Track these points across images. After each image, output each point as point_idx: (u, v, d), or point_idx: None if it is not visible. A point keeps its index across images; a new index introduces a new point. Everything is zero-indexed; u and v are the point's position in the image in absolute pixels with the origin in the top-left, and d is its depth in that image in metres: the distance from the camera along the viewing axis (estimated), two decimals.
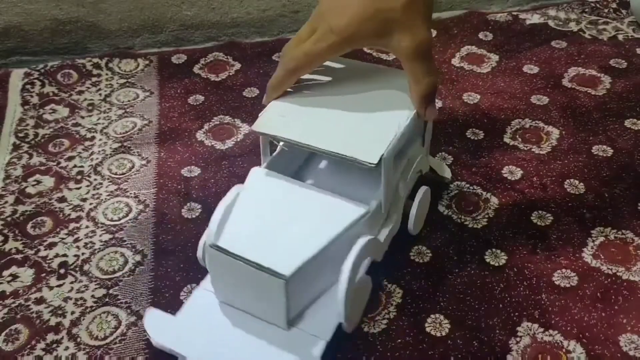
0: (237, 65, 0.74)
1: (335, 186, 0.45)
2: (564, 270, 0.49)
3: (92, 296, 0.49)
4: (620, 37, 0.76)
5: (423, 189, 0.50)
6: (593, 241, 0.51)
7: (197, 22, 0.80)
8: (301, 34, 0.45)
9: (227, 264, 0.41)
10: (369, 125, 0.44)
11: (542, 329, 0.45)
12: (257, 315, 0.43)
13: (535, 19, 0.80)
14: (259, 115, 0.45)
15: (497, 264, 0.49)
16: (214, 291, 0.44)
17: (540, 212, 0.53)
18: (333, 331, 0.42)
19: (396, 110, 0.45)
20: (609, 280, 0.48)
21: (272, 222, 0.42)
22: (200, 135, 0.64)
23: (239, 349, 0.41)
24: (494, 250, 0.50)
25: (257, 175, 0.46)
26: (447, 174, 0.56)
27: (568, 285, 0.47)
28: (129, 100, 0.69)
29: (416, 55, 0.43)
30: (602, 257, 0.49)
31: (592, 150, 0.60)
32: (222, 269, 0.42)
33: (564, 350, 0.43)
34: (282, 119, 0.45)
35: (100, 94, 0.70)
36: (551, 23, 0.79)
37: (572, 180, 0.56)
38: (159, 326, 0.43)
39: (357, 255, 0.41)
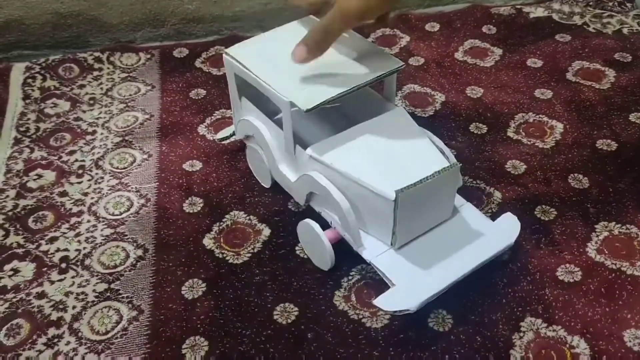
0: None
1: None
2: (567, 265, 0.48)
3: (94, 291, 0.48)
4: (625, 30, 0.75)
5: None
6: (597, 236, 0.50)
7: (198, 16, 0.79)
8: None
9: (414, 195, 0.42)
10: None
11: (545, 324, 0.44)
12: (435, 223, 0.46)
13: (539, 12, 0.79)
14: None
15: (500, 259, 0.49)
16: (398, 239, 0.45)
17: (544, 206, 0.53)
18: None
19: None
20: (613, 275, 0.47)
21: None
22: (201, 129, 0.63)
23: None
24: None
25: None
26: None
27: (572, 280, 0.47)
28: (130, 95, 0.69)
29: (334, 13, 0.44)
30: (606, 252, 0.49)
31: (597, 145, 0.59)
32: (411, 204, 0.43)
33: (567, 345, 0.43)
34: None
35: (101, 88, 0.70)
36: (555, 16, 0.78)
37: (576, 174, 0.56)
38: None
39: None
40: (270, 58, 0.49)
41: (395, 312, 0.42)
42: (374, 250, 0.45)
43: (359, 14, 0.44)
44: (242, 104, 0.53)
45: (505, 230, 0.47)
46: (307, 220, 0.48)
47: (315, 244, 0.48)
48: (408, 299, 0.42)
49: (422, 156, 0.45)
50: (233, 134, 0.58)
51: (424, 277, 0.43)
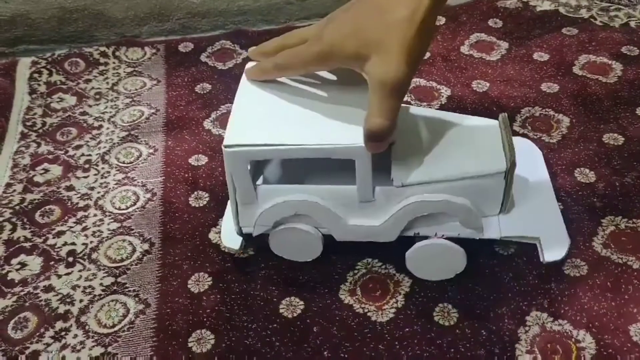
0: (245, 54, 0.73)
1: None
2: (573, 259, 0.48)
3: (101, 284, 0.49)
4: (633, 23, 0.75)
5: None
6: (603, 230, 0.50)
7: (203, 10, 0.79)
8: (301, 32, 0.45)
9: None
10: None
11: (551, 319, 0.44)
12: None
13: (545, 5, 0.78)
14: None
15: (506, 253, 0.49)
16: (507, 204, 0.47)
17: None
18: None
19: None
20: (619, 269, 0.47)
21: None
22: (207, 124, 0.64)
23: None
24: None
25: None
26: None
27: (578, 275, 0.47)
28: (136, 89, 0.69)
29: (382, 88, 0.38)
30: (613, 246, 0.49)
31: (603, 139, 0.59)
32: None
33: (573, 339, 0.43)
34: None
35: (107, 83, 0.70)
36: (562, 10, 0.78)
37: (582, 168, 0.56)
38: None
39: None
40: (276, 123, 0.44)
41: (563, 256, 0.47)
42: (493, 227, 0.46)
43: (334, 46, 0.40)
44: (261, 192, 0.45)
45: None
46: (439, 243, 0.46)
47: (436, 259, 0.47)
48: (560, 241, 0.47)
49: (468, 128, 0.47)
50: (244, 242, 0.48)
51: (545, 221, 0.48)
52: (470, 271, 0.47)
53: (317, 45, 0.41)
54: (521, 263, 0.48)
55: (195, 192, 0.56)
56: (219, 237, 0.51)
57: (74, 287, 0.49)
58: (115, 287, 0.48)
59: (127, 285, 0.48)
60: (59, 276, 0.50)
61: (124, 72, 0.72)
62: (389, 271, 0.48)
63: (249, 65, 0.48)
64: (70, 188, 0.57)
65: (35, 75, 0.71)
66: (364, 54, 0.39)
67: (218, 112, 0.65)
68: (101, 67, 0.72)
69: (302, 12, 0.81)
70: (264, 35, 0.76)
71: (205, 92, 0.68)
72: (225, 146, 0.42)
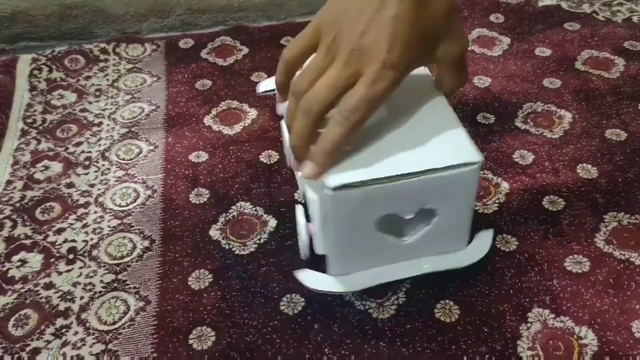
0: (245, 50, 0.73)
1: None
2: (575, 255, 0.48)
3: (101, 281, 0.49)
4: (635, 18, 0.74)
5: None
6: (606, 226, 0.50)
7: (204, 6, 0.79)
8: (315, 64, 0.39)
9: None
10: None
11: (553, 315, 0.44)
12: None
13: (547, 0, 0.78)
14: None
15: (507, 250, 0.49)
16: None
17: (551, 197, 0.53)
18: None
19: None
20: (622, 265, 0.47)
21: None
22: (208, 121, 0.63)
23: None
24: (504, 235, 0.50)
25: None
26: None
27: (580, 271, 0.47)
28: (136, 86, 0.69)
29: (460, 60, 0.43)
30: (615, 242, 0.49)
31: (605, 134, 0.59)
32: None
33: (575, 336, 0.43)
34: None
35: (107, 80, 0.70)
36: (564, 5, 0.77)
37: (584, 164, 0.56)
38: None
39: None
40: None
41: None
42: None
43: (408, 63, 0.39)
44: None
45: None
46: None
47: None
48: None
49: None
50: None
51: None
52: (471, 267, 0.47)
53: (385, 77, 0.37)
54: (523, 260, 0.48)
55: (196, 189, 0.56)
56: (217, 233, 0.51)
57: (74, 284, 0.48)
58: (115, 284, 0.48)
59: (127, 282, 0.48)
60: (60, 273, 0.49)
61: (124, 68, 0.72)
62: None
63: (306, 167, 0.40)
64: (70, 185, 0.57)
65: (36, 72, 0.71)
66: (432, 46, 0.41)
67: (218, 108, 0.65)
68: (101, 64, 0.72)
69: (302, 8, 0.81)
70: (264, 31, 0.76)
71: (205, 88, 0.68)
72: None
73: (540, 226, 0.50)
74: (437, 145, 0.41)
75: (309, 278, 0.45)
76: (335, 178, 0.38)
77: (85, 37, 0.78)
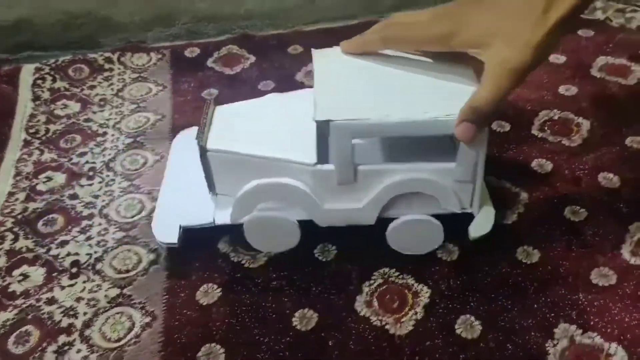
0: (252, 59, 0.72)
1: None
2: (601, 268, 0.46)
3: (105, 296, 0.47)
4: None
5: None
6: (631, 237, 0.48)
7: (210, 15, 0.78)
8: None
9: None
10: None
11: (580, 331, 0.42)
12: None
13: None
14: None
15: (529, 262, 0.47)
16: None
17: (573, 207, 0.51)
18: None
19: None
20: None
21: None
22: None
23: None
24: (525, 247, 0.48)
25: None
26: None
27: (607, 284, 0.45)
28: (141, 95, 0.67)
29: (503, 65, 0.39)
30: None
31: (626, 142, 0.57)
32: None
33: (604, 353, 0.41)
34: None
35: (112, 89, 0.69)
36: None
37: (606, 173, 0.54)
38: None
39: None
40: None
41: None
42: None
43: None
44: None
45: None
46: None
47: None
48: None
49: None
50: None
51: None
52: (492, 281, 0.45)
53: (441, 26, 0.41)
54: (546, 273, 0.46)
55: None
56: (226, 245, 0.49)
57: (77, 299, 0.47)
58: (120, 299, 0.46)
59: (133, 297, 0.46)
60: (63, 288, 0.48)
61: (129, 78, 0.70)
62: (407, 281, 0.46)
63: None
64: (74, 196, 0.55)
65: (39, 81, 0.70)
66: (488, 42, 0.40)
67: None
68: (106, 73, 0.71)
69: (310, 16, 0.79)
70: (271, 39, 0.75)
71: (212, 97, 0.66)
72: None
73: (562, 237, 0.48)
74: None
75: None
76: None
77: (90, 46, 0.77)
